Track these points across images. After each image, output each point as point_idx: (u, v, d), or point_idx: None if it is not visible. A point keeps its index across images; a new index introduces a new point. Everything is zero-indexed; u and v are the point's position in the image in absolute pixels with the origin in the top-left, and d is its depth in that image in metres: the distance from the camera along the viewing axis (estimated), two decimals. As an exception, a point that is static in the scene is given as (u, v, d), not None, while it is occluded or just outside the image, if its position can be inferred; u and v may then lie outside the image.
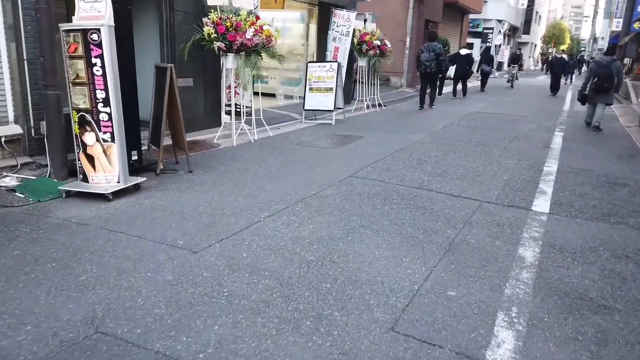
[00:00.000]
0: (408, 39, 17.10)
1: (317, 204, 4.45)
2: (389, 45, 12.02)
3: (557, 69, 17.89)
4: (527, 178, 5.78)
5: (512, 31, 42.67)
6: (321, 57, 11.67)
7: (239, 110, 7.72)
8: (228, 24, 6.59)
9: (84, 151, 4.32)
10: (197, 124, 7.38)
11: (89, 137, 4.27)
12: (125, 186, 4.40)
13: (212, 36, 6.63)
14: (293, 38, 12.32)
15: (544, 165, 6.50)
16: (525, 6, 42.10)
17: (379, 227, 3.96)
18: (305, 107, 9.59)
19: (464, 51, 16.85)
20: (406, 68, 17.34)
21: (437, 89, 13.67)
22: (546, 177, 5.90)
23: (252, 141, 7.37)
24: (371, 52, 11.38)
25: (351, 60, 11.53)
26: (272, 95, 12.06)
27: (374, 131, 8.70)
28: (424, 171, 5.90)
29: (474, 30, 33.04)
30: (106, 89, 4.14)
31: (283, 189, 4.91)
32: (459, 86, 16.24)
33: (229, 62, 6.93)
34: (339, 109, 9.88)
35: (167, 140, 5.92)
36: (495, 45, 33.31)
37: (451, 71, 16.79)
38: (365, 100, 12.01)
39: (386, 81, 18.18)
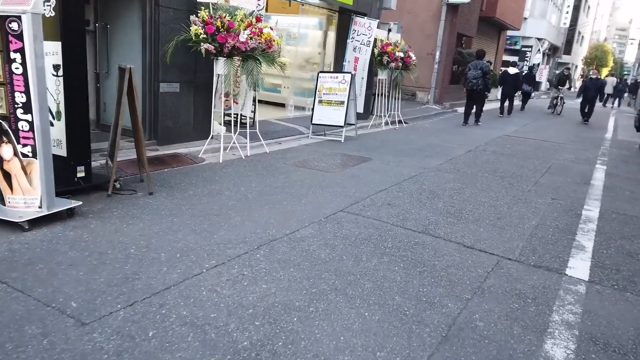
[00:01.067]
0: (438, 53, 16.05)
1: (285, 250, 3.49)
2: (414, 58, 11.04)
3: (591, 92, 15.46)
4: (561, 225, 4.69)
5: (552, 51, 40.96)
6: (339, 67, 10.77)
7: (234, 120, 6.88)
8: (218, 23, 5.75)
9: (1, 167, 3.50)
10: (183, 134, 6.55)
11: (5, 150, 3.44)
12: (49, 212, 3.55)
13: (200, 37, 5.80)
14: (309, 46, 11.46)
15: (583, 208, 5.37)
16: (567, 26, 40.42)
17: (356, 292, 2.97)
18: (313, 121, 8.68)
19: (512, 70, 15.97)
20: (434, 83, 16.26)
21: (482, 106, 13.39)
22: (585, 225, 4.79)
23: (243, 157, 6.48)
24: (393, 64, 10.41)
25: (371, 72, 10.58)
26: (283, 106, 11.21)
27: (386, 153, 7.70)
28: (433, 208, 4.87)
29: (512, 47, 31.67)
30: (27, 92, 3.31)
31: (252, 224, 3.98)
32: (506, 104, 15.96)
33: (220, 67, 6.07)
34: (351, 124, 8.92)
35: (134, 154, 5.10)
36: (534, 64, 31.85)
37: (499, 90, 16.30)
38: (384, 116, 11.02)
39: (412, 96, 17.15)
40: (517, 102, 17.65)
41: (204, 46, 5.76)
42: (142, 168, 4.75)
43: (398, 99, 11.33)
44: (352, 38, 10.37)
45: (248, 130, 6.83)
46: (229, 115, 7.05)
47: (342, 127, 8.47)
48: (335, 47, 11.01)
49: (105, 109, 6.62)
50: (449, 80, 17.51)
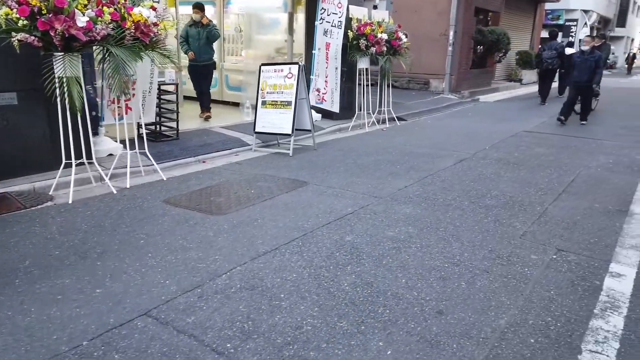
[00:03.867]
0: (451, 33, 13.60)
1: None
2: (404, 40, 8.84)
3: (582, 74, 9.11)
4: (556, 326, 2.55)
5: (603, 23, 36.81)
6: (310, 57, 8.73)
7: (139, 133, 5.04)
8: (34, 2, 3.88)
9: None
10: (35, 162, 4.75)
11: None
12: None
13: (20, 23, 3.94)
14: (272, 32, 9.47)
15: (607, 272, 3.19)
16: (619, -6, 36.24)
17: None
18: (257, 129, 6.71)
19: (568, 50, 13.63)
20: (448, 69, 13.83)
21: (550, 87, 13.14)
22: (608, 316, 2.64)
23: (115, 192, 4.62)
24: (374, 49, 8.28)
25: (346, 60, 8.46)
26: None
27: (338, 171, 5.64)
28: (331, 292, 2.84)
29: (553, 23, 28.28)
30: None
31: None
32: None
33: (58, 67, 4.21)
34: (306, 131, 6.89)
35: None
36: (580, 40, 28.37)
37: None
38: (368, 114, 8.90)
39: (424, 85, 14.82)
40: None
41: (17, 37, 3.92)
42: None
43: (387, 91, 9.15)
44: (322, 19, 8.30)
45: (129, 151, 4.97)
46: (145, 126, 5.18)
47: (289, 135, 6.46)
48: (305, 32, 8.96)
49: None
50: (469, 64, 15.01)
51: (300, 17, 9.08)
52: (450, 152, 6.76)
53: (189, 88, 8.65)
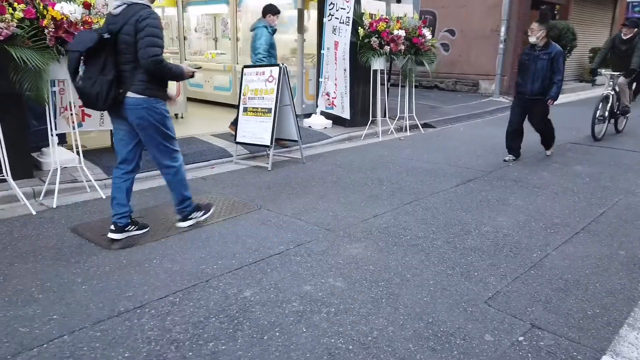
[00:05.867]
0: (503, 29, 12.13)
1: None
2: (429, 38, 7.76)
3: (529, 84, 5.80)
4: None
5: (703, 16, 32.50)
6: (320, 57, 7.90)
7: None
8: None
9: None
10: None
11: None
12: None
13: None
14: (284, 32, 8.70)
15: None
16: None
17: None
18: (238, 139, 5.99)
19: None
20: (499, 69, 12.35)
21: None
22: None
23: (34, 214, 4.07)
24: (388, 47, 7.29)
25: (355, 60, 7.50)
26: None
27: (310, 191, 4.77)
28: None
29: (638, 16, 25.21)
30: None
31: None
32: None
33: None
34: (291, 142, 6.08)
35: None
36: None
37: None
38: (390, 121, 7.92)
39: (473, 86, 13.43)
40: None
41: None
42: None
43: (410, 94, 8.10)
44: (330, 15, 7.45)
45: (55, 166, 4.41)
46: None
47: (268, 146, 5.67)
48: (317, 31, 8.13)
49: None
50: (526, 63, 13.39)
51: (313, 14, 8.27)
52: (461, 170, 5.65)
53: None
